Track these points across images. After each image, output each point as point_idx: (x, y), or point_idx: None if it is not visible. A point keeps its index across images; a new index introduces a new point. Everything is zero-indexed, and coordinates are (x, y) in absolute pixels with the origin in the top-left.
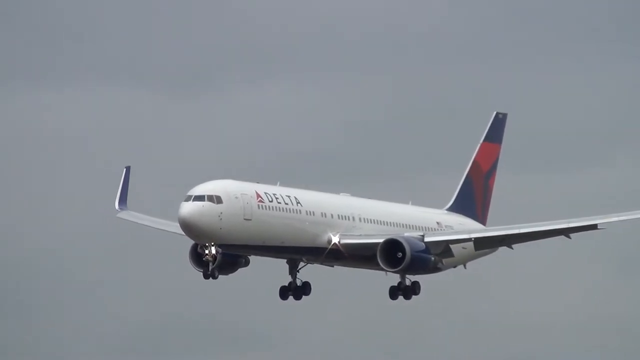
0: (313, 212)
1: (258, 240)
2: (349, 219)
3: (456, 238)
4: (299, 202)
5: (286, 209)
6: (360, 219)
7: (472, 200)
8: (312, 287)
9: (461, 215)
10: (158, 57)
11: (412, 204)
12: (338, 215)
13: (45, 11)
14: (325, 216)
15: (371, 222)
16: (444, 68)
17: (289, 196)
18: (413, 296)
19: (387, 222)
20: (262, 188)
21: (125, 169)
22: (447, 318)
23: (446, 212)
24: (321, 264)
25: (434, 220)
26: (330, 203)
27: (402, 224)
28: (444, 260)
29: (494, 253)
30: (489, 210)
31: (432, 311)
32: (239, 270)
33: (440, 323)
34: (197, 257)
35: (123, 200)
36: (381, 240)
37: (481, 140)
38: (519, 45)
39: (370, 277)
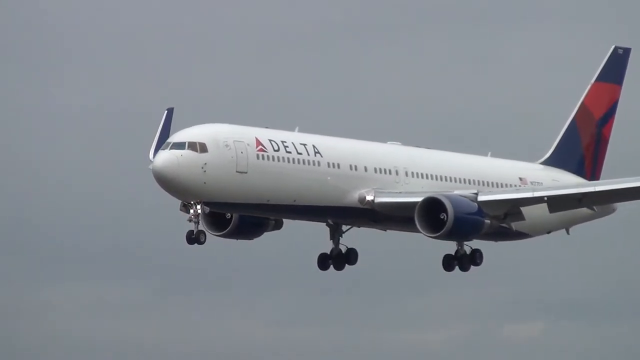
0: (338, 164)
1: (258, 198)
2: (390, 172)
3: (516, 197)
4: (317, 152)
5: (298, 159)
6: (407, 173)
7: (578, 152)
8: (358, 254)
9: (560, 170)
10: None
11: (493, 155)
12: (376, 169)
13: None
14: (356, 169)
15: (423, 177)
16: None
17: (304, 144)
18: (473, 267)
19: (444, 177)
20: (266, 134)
21: (166, 112)
22: (503, 294)
23: (540, 166)
24: (359, 226)
25: (515, 176)
26: (366, 153)
27: (467, 180)
28: (514, 225)
29: (610, 215)
30: (602, 164)
31: (486, 286)
32: (266, 234)
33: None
34: (213, 217)
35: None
36: (420, 199)
37: (592, 80)
38: None
39: (430, 243)
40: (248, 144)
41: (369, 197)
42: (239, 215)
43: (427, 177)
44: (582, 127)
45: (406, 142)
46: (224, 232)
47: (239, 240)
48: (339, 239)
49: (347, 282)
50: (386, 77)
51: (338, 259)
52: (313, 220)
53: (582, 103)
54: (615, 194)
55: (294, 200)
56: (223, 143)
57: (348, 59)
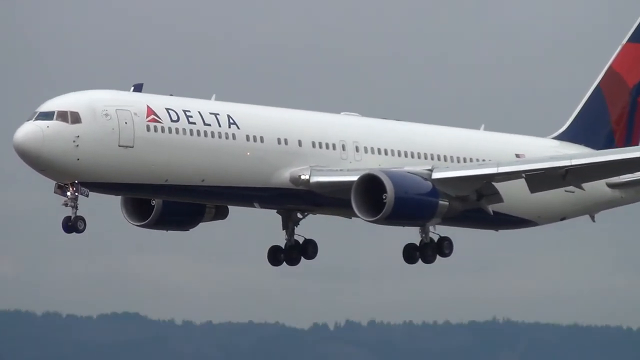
0: (261, 137)
1: (152, 178)
2: (335, 147)
3: (474, 173)
4: (233, 123)
5: (205, 131)
6: (359, 148)
7: (605, 125)
8: (318, 247)
9: (578, 146)
10: None
11: (488, 129)
12: (314, 142)
13: None
14: (287, 143)
15: (381, 153)
16: None
17: (216, 114)
18: (440, 257)
19: (411, 153)
20: (164, 102)
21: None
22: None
23: (552, 141)
24: (314, 213)
25: (510, 152)
26: (300, 124)
27: (442, 156)
28: (495, 207)
29: None
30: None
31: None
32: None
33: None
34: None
35: None
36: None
37: (624, 41)
38: None
39: (407, 231)
40: (135, 113)
41: (304, 176)
42: (163, 202)
43: (386, 153)
44: (610, 96)
45: (370, 113)
46: (145, 222)
47: (168, 232)
48: (293, 229)
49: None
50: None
51: (292, 252)
52: (237, 205)
53: (610, 68)
54: (604, 168)
55: (203, 180)
56: (102, 112)
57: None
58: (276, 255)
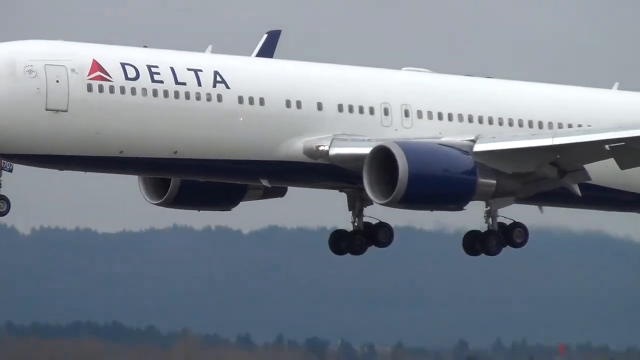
0: (260, 100)
1: (96, 148)
2: (373, 111)
3: (520, 146)
4: (221, 81)
5: (176, 92)
6: (410, 113)
7: None
8: (394, 233)
9: None
10: None
11: (621, 87)
12: (341, 106)
13: None
14: (299, 106)
15: (442, 119)
16: None
17: (197, 70)
18: (510, 247)
19: (488, 119)
20: (120, 55)
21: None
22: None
23: None
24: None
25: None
26: (323, 82)
27: (531, 122)
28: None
29: None
30: None
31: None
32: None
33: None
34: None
35: None
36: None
37: None
38: None
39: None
40: (73, 69)
41: (323, 147)
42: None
43: (451, 119)
44: None
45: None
46: (162, 200)
47: (201, 212)
48: (361, 209)
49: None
50: None
51: (357, 238)
52: (236, 181)
53: None
54: None
55: (175, 152)
56: (24, 68)
57: None
58: (338, 242)
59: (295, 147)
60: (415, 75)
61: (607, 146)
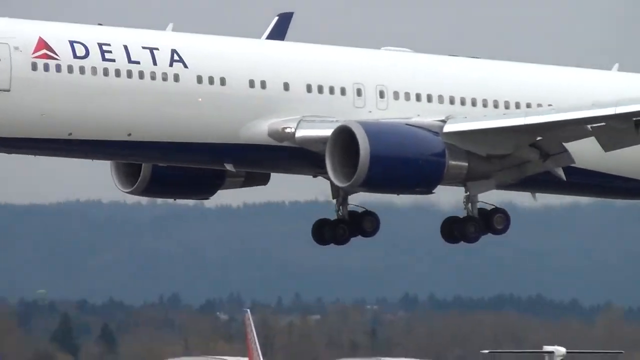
0: (221, 79)
1: (42, 130)
2: (345, 92)
3: (490, 126)
4: (178, 60)
5: (129, 71)
6: (386, 94)
7: None
8: (380, 221)
9: None
10: None
11: (621, 69)
12: (310, 86)
13: None
14: (264, 86)
15: (421, 100)
16: None
17: (152, 48)
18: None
19: (471, 100)
20: (69, 33)
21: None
22: None
23: None
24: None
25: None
26: (291, 62)
27: (518, 104)
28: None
29: None
30: None
31: None
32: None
33: None
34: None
35: None
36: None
37: None
38: None
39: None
40: (17, 47)
41: (288, 129)
42: (153, 164)
43: (430, 100)
44: None
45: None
46: (132, 188)
47: (177, 201)
48: (345, 197)
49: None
50: None
51: (339, 227)
52: (198, 165)
53: None
54: None
55: (129, 135)
56: None
57: None
58: (321, 232)
59: (259, 129)
60: (393, 55)
61: (589, 126)
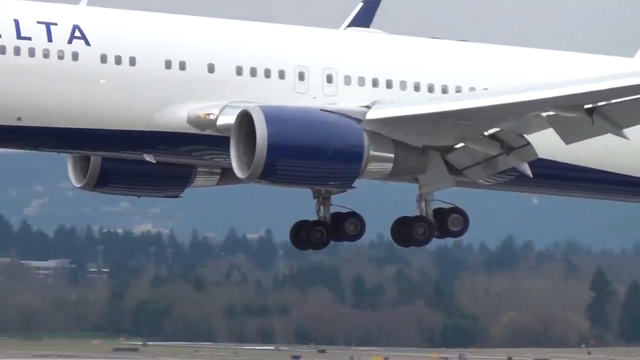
0: (131, 59)
1: None
2: (284, 75)
3: (414, 112)
4: (80, 37)
5: (16, 48)
6: (335, 78)
7: None
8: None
9: None
10: None
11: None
12: (240, 68)
13: None
14: (183, 67)
15: (378, 85)
16: None
17: (50, 24)
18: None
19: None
20: None
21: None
22: None
23: None
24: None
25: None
26: (218, 40)
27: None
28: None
29: None
30: None
31: None
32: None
33: None
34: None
35: None
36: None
37: None
38: None
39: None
40: None
41: (210, 116)
42: (103, 157)
43: (390, 86)
44: None
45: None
46: (84, 183)
47: (141, 198)
48: (327, 197)
49: None
50: None
51: (316, 230)
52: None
53: None
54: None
55: (19, 119)
56: None
57: None
58: (298, 235)
59: (177, 115)
60: (349, 36)
61: (544, 115)
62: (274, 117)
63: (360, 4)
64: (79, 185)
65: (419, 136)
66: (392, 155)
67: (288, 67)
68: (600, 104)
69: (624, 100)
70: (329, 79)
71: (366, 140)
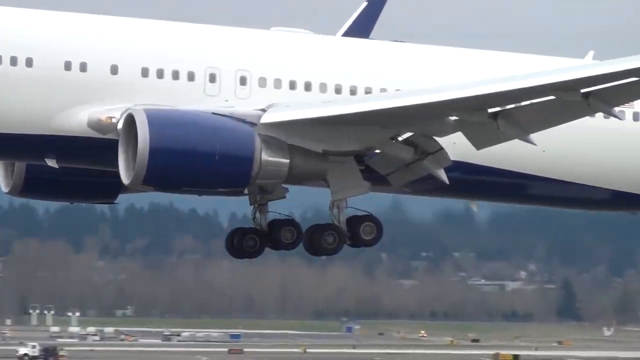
0: (27, 60)
1: None
2: (194, 77)
3: (312, 116)
4: None
5: None
6: (249, 80)
7: None
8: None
9: None
10: None
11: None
12: (146, 69)
13: None
14: (84, 69)
15: (296, 88)
16: None
17: None
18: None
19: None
20: None
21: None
22: None
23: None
24: None
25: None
26: (124, 41)
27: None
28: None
29: None
30: None
31: None
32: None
33: None
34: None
35: None
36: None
37: None
38: None
39: None
40: None
41: (112, 119)
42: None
43: (309, 89)
44: None
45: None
46: (10, 188)
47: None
48: (264, 203)
49: None
50: None
51: (250, 237)
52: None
53: None
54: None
55: None
56: None
57: None
58: (232, 242)
59: (77, 118)
60: (272, 36)
61: (451, 119)
62: (158, 120)
63: (365, 4)
64: (6, 191)
65: (318, 141)
66: (287, 161)
67: (198, 68)
68: (503, 107)
69: (529, 104)
70: (243, 81)
71: (257, 144)
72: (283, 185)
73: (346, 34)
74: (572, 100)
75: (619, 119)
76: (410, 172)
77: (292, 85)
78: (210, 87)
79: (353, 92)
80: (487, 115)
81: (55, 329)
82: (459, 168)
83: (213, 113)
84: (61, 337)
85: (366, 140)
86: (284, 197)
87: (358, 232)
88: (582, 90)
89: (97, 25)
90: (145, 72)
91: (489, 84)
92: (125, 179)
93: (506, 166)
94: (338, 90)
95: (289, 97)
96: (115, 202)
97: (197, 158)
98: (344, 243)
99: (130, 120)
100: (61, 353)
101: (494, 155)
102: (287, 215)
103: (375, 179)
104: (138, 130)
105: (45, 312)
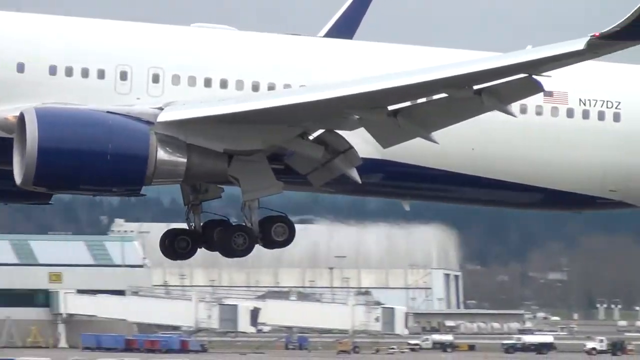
0: None
1: None
2: (104, 75)
3: (208, 114)
4: None
5: None
6: (162, 78)
7: None
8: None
9: None
10: None
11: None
12: (54, 67)
13: None
14: None
15: (211, 85)
16: None
17: None
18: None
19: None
20: None
21: None
22: None
23: None
24: None
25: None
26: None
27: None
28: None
29: None
30: None
31: None
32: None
33: None
34: None
35: None
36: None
37: None
38: None
39: None
40: None
41: (13, 119)
42: None
43: (225, 86)
44: None
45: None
46: None
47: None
48: (198, 203)
49: None
50: None
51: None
52: None
53: None
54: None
55: None
56: None
57: None
58: (166, 244)
59: None
60: (188, 32)
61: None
62: (47, 118)
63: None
64: None
65: (218, 140)
66: (184, 160)
67: (108, 66)
68: (400, 105)
69: (425, 101)
70: (155, 79)
71: (152, 143)
72: (219, 185)
73: (328, 34)
74: (465, 97)
75: (514, 116)
76: (327, 171)
77: (207, 83)
78: (121, 85)
79: (255, 88)
80: (386, 112)
81: (623, 323)
82: (385, 167)
83: (108, 111)
84: (628, 332)
85: (269, 138)
86: (220, 197)
87: (270, 233)
88: (475, 87)
89: (3, 22)
90: (53, 70)
91: (381, 80)
92: (17, 179)
93: (433, 165)
94: (256, 88)
95: (203, 95)
96: (50, 202)
97: (88, 157)
98: (255, 244)
99: (21, 120)
100: (629, 347)
101: (422, 154)
102: (223, 216)
103: (297, 178)
104: (27, 130)
105: (612, 306)
